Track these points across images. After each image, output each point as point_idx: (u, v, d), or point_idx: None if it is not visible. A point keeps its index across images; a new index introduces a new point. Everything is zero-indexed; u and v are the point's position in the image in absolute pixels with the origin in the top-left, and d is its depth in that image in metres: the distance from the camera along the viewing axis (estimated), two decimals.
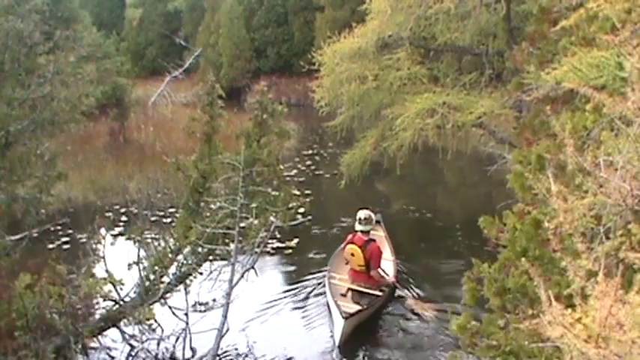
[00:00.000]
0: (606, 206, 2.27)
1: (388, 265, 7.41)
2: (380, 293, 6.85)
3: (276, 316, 6.81)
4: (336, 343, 6.01)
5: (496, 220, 3.47)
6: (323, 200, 11.68)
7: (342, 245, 7.41)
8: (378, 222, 8.05)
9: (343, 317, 6.01)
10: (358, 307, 6.44)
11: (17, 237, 5.91)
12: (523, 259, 2.84)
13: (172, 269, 5.96)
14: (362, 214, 7.00)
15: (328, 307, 6.75)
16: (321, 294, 7.23)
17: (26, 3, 6.07)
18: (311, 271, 7.99)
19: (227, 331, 5.38)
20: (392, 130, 8.56)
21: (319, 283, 7.50)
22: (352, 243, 6.94)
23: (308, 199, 7.37)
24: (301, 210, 7.86)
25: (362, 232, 6.94)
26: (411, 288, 7.37)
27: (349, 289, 6.93)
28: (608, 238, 2.26)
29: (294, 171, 13.73)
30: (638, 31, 2.77)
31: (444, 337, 6.08)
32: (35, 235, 6.56)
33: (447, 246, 8.81)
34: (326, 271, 7.46)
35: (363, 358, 5.94)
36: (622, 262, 2.01)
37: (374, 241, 7.04)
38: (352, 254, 6.91)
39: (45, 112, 5.95)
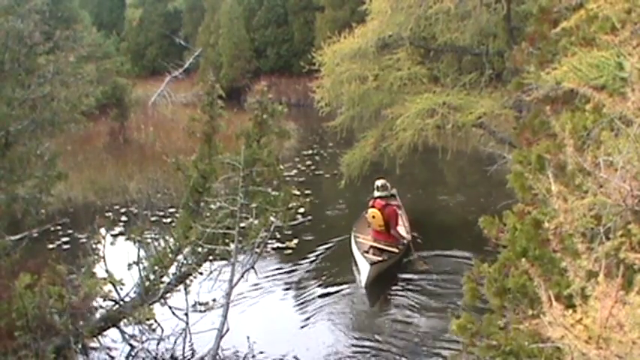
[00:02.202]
0: (606, 206, 2.27)
1: (403, 230, 8.68)
2: (397, 250, 8.14)
3: (277, 316, 6.82)
4: (363, 285, 7.39)
5: (496, 220, 3.47)
6: (323, 200, 11.68)
7: (364, 211, 8.72)
8: (393, 195, 9.15)
9: (369, 264, 7.43)
10: (380, 258, 7.81)
11: (17, 237, 5.92)
12: (523, 259, 2.84)
13: (172, 269, 5.96)
14: (379, 182, 8.34)
15: (354, 259, 8.12)
16: (321, 290, 7.38)
17: (26, 3, 6.06)
18: (311, 270, 8.01)
19: (227, 331, 5.38)
20: (392, 130, 8.56)
21: (319, 282, 7.61)
22: (373, 207, 8.22)
23: (308, 199, 7.42)
24: (301, 210, 7.87)
25: (380, 197, 8.23)
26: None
27: (371, 246, 8.19)
28: (608, 238, 2.26)
29: (294, 171, 13.73)
30: (638, 31, 2.77)
31: (450, 292, 7.07)
32: (35, 235, 6.56)
33: (446, 245, 8.81)
34: (325, 270, 7.91)
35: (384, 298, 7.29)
36: (622, 262, 2.00)
37: (391, 205, 8.31)
38: (373, 216, 8.20)
39: (45, 112, 5.96)
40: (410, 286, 7.47)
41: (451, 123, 8.06)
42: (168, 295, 5.85)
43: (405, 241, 8.38)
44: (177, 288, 5.92)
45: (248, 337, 5.99)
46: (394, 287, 7.52)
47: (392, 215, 8.19)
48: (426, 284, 7.50)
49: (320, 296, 7.25)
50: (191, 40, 30.41)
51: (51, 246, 8.87)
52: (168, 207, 9.66)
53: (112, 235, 9.21)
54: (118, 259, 5.81)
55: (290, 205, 6.07)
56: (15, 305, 4.75)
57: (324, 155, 15.78)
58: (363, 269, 7.55)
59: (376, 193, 8.28)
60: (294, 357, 5.89)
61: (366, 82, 9.02)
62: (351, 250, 8.34)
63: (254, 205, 5.67)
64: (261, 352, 5.90)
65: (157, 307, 5.76)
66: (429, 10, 8.28)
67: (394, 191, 9.40)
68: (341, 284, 7.57)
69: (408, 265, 8.14)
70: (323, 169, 14.23)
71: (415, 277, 7.76)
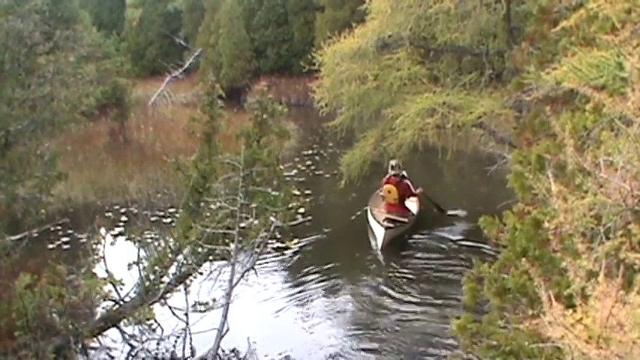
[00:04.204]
0: (606, 206, 2.27)
1: (413, 205, 9.88)
2: (407, 220, 9.31)
3: (276, 316, 6.81)
4: (379, 248, 8.64)
5: (496, 220, 3.47)
6: (323, 200, 11.68)
7: (379, 189, 9.91)
8: (404, 176, 9.80)
9: (384, 228, 8.69)
10: (393, 225, 8.93)
11: (17, 237, 5.92)
12: (523, 259, 2.84)
13: (172, 269, 5.96)
14: (393, 162, 9.32)
15: (370, 228, 9.36)
16: (320, 290, 7.39)
17: (26, 3, 6.07)
18: (311, 269, 8.00)
19: (227, 331, 5.38)
20: (392, 130, 8.56)
21: (319, 281, 7.63)
22: (388, 183, 9.34)
23: (308, 199, 7.43)
24: (301, 210, 7.87)
25: (394, 175, 9.31)
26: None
27: (386, 218, 9.17)
28: (608, 238, 2.26)
29: (294, 171, 13.71)
30: (638, 31, 2.77)
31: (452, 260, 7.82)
32: (35, 235, 6.56)
33: (445, 243, 8.83)
34: (325, 269, 7.94)
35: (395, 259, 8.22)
36: (622, 262, 2.00)
37: (404, 181, 9.45)
38: (389, 191, 9.33)
39: (45, 112, 5.96)
40: (409, 284, 7.48)
41: (451, 123, 8.07)
42: (168, 295, 5.85)
43: (415, 213, 9.59)
44: (177, 288, 5.91)
45: (248, 337, 5.98)
46: (396, 277, 7.77)
47: (406, 189, 9.38)
48: (425, 283, 7.50)
49: (320, 295, 7.25)
50: (191, 40, 30.37)
51: (51, 246, 8.87)
52: (168, 207, 9.66)
53: (112, 235, 9.20)
54: (118, 259, 5.81)
55: (290, 205, 6.07)
56: (15, 305, 4.76)
57: (324, 155, 15.77)
58: (379, 234, 8.78)
59: (391, 172, 9.35)
60: (294, 356, 5.89)
61: (366, 82, 9.02)
62: (368, 221, 9.54)
63: (254, 205, 5.67)
64: (261, 352, 5.90)
65: (157, 307, 5.76)
66: (429, 10, 8.27)
67: (404, 172, 10.08)
68: (341, 283, 7.58)
69: (412, 247, 8.85)
70: (323, 169, 14.22)
71: (414, 274, 7.78)
